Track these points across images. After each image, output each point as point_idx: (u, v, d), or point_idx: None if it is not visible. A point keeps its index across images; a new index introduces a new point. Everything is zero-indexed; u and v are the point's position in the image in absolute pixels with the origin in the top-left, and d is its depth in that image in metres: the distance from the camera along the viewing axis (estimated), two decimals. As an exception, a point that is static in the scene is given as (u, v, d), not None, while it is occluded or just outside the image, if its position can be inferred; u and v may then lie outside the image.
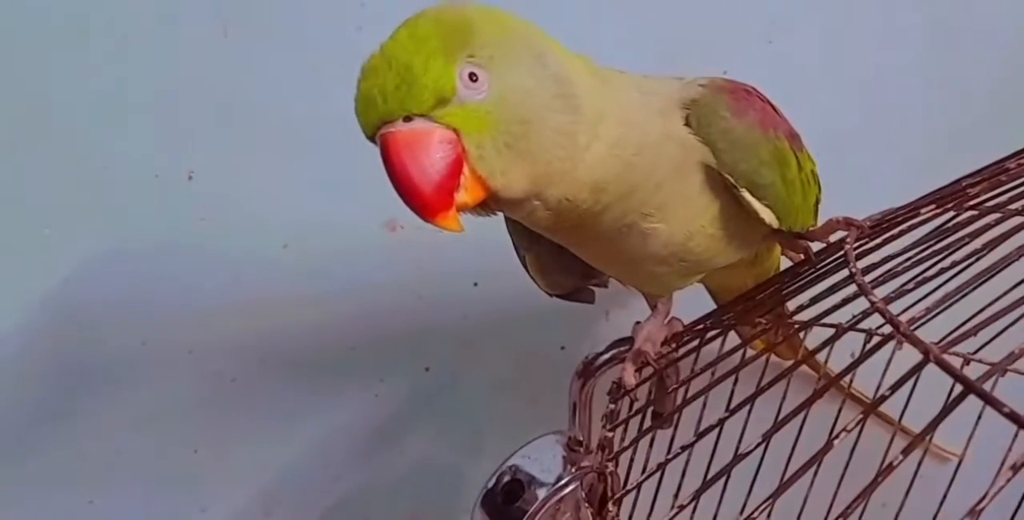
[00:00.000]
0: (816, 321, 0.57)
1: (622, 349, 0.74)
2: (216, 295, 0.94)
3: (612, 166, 0.56)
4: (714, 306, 0.84)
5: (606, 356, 0.75)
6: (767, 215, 0.62)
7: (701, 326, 0.74)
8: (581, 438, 0.76)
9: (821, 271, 0.65)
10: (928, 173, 0.67)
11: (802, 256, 0.70)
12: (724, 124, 0.60)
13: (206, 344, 0.95)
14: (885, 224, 0.63)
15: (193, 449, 0.98)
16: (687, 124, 0.60)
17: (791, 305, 0.65)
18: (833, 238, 0.67)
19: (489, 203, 0.54)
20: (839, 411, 0.82)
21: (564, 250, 0.67)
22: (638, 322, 0.75)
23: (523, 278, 0.74)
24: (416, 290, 0.98)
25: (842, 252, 0.60)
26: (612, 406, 0.69)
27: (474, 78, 0.50)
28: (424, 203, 0.50)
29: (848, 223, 0.63)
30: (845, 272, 0.53)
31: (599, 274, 0.75)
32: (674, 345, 0.72)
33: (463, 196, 0.50)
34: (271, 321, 0.95)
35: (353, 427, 1.00)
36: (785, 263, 0.80)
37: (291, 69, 0.91)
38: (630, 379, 0.68)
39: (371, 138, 0.51)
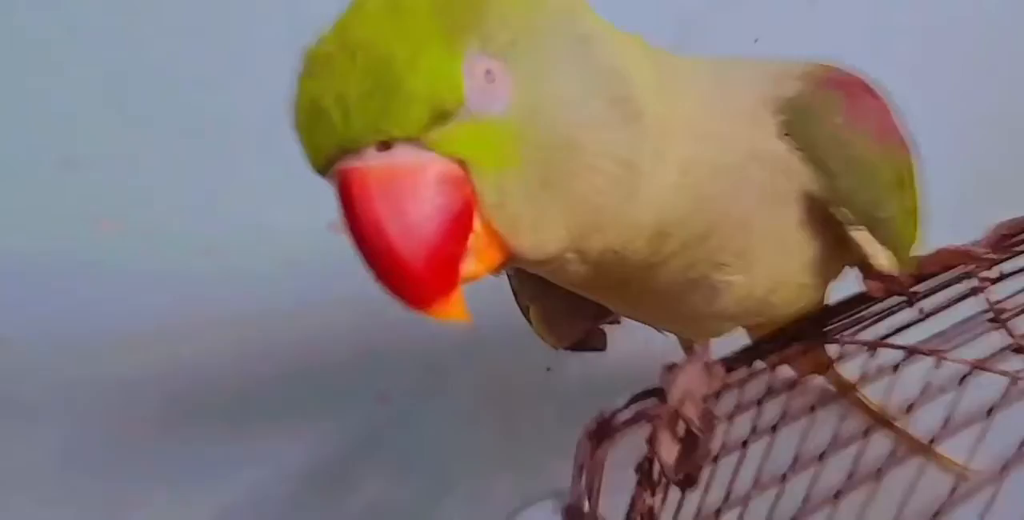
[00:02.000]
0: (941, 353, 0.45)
1: (649, 405, 0.58)
2: (119, 316, 0.81)
3: (681, 201, 0.41)
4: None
5: (628, 413, 0.59)
6: (886, 259, 0.47)
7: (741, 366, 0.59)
8: (586, 508, 0.61)
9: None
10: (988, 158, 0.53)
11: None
12: (839, 136, 0.44)
13: (109, 376, 0.82)
14: (1008, 245, 0.51)
15: (111, 505, 0.83)
16: (785, 134, 0.44)
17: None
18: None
19: (504, 264, 0.38)
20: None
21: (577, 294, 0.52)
22: (668, 367, 0.59)
23: (499, 288, 0.60)
24: (370, 305, 0.82)
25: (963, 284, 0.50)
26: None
27: (491, 77, 0.35)
28: (413, 284, 0.34)
29: (968, 254, 0.48)
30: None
31: (612, 312, 0.60)
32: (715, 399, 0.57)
33: (473, 265, 0.35)
34: (190, 347, 0.83)
35: (298, 469, 0.87)
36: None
37: (203, 35, 0.78)
38: (669, 457, 0.52)
39: (321, 172, 0.35)
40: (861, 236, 0.45)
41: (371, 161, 0.33)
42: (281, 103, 0.36)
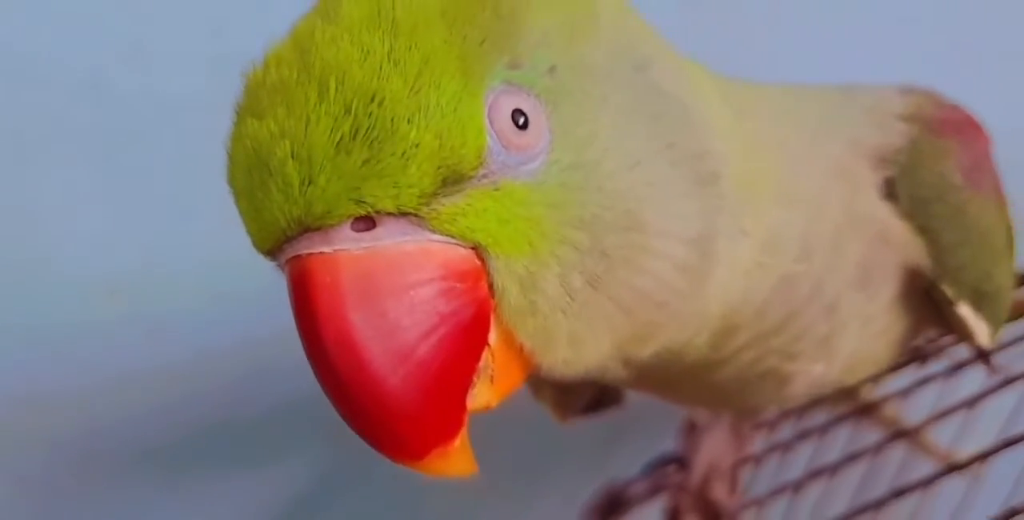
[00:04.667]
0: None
1: (668, 474, 0.50)
2: (18, 367, 0.70)
3: (760, 285, 0.32)
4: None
5: (642, 484, 0.51)
6: (984, 334, 0.39)
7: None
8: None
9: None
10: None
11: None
12: (957, 198, 0.36)
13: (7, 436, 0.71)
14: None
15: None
16: (888, 196, 0.35)
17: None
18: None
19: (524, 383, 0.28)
20: None
21: None
22: (689, 428, 0.51)
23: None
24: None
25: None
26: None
27: (522, 121, 0.25)
28: (400, 432, 0.24)
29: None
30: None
31: None
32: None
33: (484, 395, 0.25)
34: (106, 400, 0.72)
35: (258, 510, 0.79)
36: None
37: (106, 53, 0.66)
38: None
39: (268, 254, 0.25)
40: (964, 312, 0.37)
41: (344, 245, 0.23)
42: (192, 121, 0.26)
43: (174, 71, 0.65)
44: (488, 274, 0.24)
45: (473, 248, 0.24)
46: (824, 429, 0.46)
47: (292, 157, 0.23)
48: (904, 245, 0.35)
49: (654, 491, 0.51)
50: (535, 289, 0.25)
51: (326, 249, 0.23)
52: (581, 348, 0.27)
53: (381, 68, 0.23)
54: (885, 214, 0.35)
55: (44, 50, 0.67)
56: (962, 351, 0.47)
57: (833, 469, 0.45)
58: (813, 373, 0.37)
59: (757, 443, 0.51)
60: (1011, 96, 0.69)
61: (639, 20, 0.29)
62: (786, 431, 0.50)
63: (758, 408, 0.42)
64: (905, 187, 0.35)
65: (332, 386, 0.23)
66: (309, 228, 0.23)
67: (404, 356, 0.23)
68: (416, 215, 0.23)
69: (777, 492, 0.47)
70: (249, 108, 0.24)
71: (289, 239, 0.24)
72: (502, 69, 0.25)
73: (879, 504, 0.42)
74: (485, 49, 0.24)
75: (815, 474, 0.46)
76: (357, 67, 0.23)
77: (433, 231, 0.24)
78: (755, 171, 0.31)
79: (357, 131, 0.23)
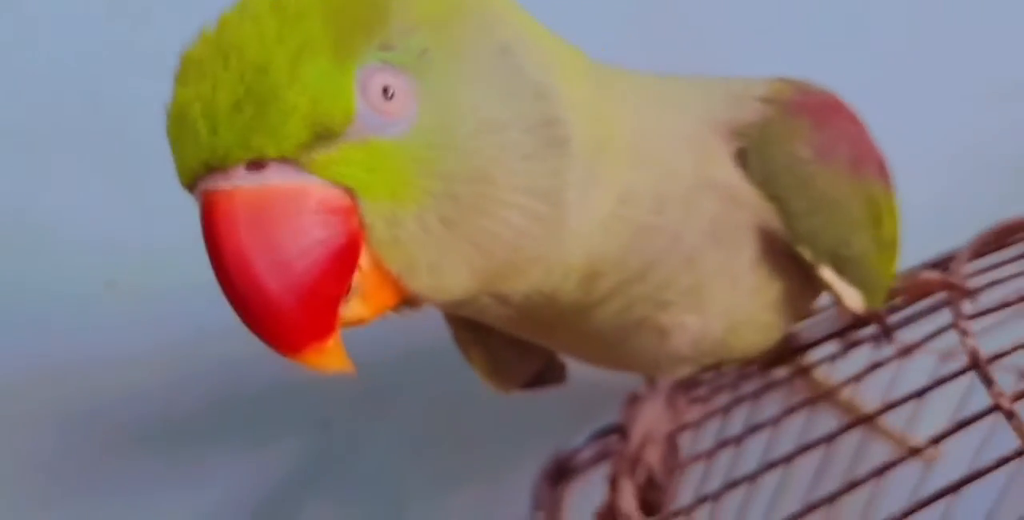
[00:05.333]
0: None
1: (610, 442, 0.55)
2: (16, 354, 0.73)
3: (617, 234, 0.37)
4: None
5: (587, 452, 0.55)
6: (852, 298, 0.44)
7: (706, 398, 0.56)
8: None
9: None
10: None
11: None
12: (804, 171, 0.40)
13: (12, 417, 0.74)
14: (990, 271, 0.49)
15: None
16: (741, 165, 0.40)
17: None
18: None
19: (402, 307, 0.34)
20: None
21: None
22: (630, 399, 0.56)
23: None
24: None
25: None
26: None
27: (389, 92, 0.31)
28: (280, 327, 0.30)
29: (945, 284, 0.45)
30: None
31: None
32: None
33: (356, 308, 0.31)
34: (100, 382, 0.75)
35: (240, 499, 0.81)
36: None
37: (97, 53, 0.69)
38: (630, 506, 0.48)
39: (189, 189, 0.31)
40: (827, 275, 0.42)
41: (239, 182, 0.29)
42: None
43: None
44: (358, 211, 0.30)
45: (345, 190, 0.30)
46: (777, 419, 0.49)
47: (202, 115, 0.29)
48: (755, 207, 0.40)
49: (599, 458, 0.55)
50: (397, 225, 0.31)
51: (226, 185, 0.29)
52: (441, 276, 0.32)
53: (269, 47, 0.29)
54: (735, 179, 0.40)
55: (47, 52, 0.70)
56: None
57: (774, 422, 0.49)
58: (689, 326, 0.41)
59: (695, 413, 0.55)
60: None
61: (511, 11, 0.35)
62: (722, 399, 0.55)
63: (652, 364, 0.45)
64: (756, 159, 0.40)
65: (230, 292, 0.29)
66: (214, 169, 0.29)
67: (284, 268, 0.29)
68: (296, 161, 0.29)
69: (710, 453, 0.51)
70: (180, 76, 0.30)
71: (200, 177, 0.30)
72: (374, 50, 0.30)
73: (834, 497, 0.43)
74: (357, 34, 0.30)
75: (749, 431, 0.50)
76: (252, 45, 0.29)
77: (311, 174, 0.30)
78: (609, 137, 0.36)
79: (248, 94, 0.29)
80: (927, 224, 0.55)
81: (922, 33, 0.82)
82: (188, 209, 0.35)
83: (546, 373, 0.54)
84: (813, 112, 0.42)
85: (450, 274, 0.32)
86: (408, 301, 0.33)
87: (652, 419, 0.53)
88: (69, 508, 0.76)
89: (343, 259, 0.30)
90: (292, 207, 0.29)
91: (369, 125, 0.30)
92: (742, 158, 0.40)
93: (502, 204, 0.32)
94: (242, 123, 0.29)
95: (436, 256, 0.32)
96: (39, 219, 0.71)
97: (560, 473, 0.56)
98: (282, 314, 0.29)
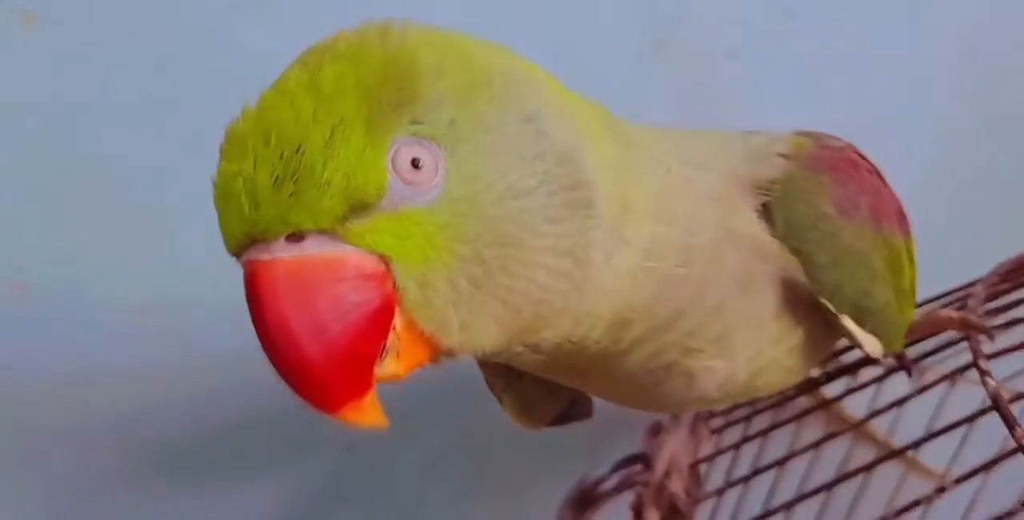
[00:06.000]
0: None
1: (634, 472, 0.56)
2: (46, 370, 0.73)
3: (644, 285, 0.38)
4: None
5: (612, 481, 0.56)
6: (871, 345, 0.45)
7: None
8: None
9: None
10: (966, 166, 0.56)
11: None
12: (827, 226, 0.42)
13: (38, 437, 0.74)
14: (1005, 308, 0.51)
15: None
16: (764, 219, 0.41)
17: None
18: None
19: (435, 361, 0.35)
20: None
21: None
22: (653, 429, 0.57)
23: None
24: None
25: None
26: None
27: (418, 163, 0.32)
28: (319, 387, 0.31)
29: (963, 323, 0.46)
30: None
31: None
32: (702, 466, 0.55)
33: (391, 366, 0.33)
34: (127, 398, 0.75)
35: None
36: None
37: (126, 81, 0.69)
38: (655, 533, 0.49)
39: (235, 257, 0.33)
40: (848, 324, 0.43)
41: (280, 253, 0.31)
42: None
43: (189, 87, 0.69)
44: (391, 276, 0.32)
45: (379, 257, 0.32)
46: (766, 431, 0.51)
47: (244, 190, 0.31)
48: (779, 260, 0.41)
49: (623, 487, 0.56)
50: (429, 288, 0.32)
51: (267, 256, 0.31)
52: (472, 333, 0.34)
53: (306, 126, 0.31)
54: (759, 233, 0.41)
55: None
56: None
57: (782, 462, 0.51)
58: (717, 370, 0.42)
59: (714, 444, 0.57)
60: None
61: (535, 74, 0.37)
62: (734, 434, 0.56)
63: (680, 405, 0.46)
64: (780, 213, 0.41)
65: (272, 355, 0.31)
66: (256, 240, 0.31)
67: (322, 332, 0.31)
68: (333, 232, 0.31)
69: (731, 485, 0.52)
70: (224, 151, 0.32)
71: (244, 248, 0.32)
72: (405, 125, 0.32)
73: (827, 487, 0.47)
74: (389, 111, 0.32)
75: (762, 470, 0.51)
76: (290, 125, 0.31)
77: (347, 244, 0.31)
78: (634, 195, 0.37)
79: (287, 172, 0.31)
80: (941, 253, 0.56)
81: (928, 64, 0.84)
82: (213, 231, 0.37)
83: (572, 409, 0.55)
84: (833, 167, 0.43)
85: (480, 330, 0.34)
86: (441, 356, 0.34)
87: (676, 449, 0.55)
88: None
89: (378, 321, 0.32)
90: (329, 275, 0.31)
91: (400, 196, 0.32)
92: (766, 213, 0.41)
93: (529, 265, 0.34)
94: (282, 200, 0.31)
95: (467, 315, 0.33)
96: (67, 238, 0.73)
97: (584, 501, 0.57)
98: (321, 375, 0.31)
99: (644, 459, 0.56)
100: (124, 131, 0.72)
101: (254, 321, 0.31)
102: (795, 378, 0.48)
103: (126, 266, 0.74)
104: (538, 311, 0.35)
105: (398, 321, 0.32)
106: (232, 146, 0.32)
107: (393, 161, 0.32)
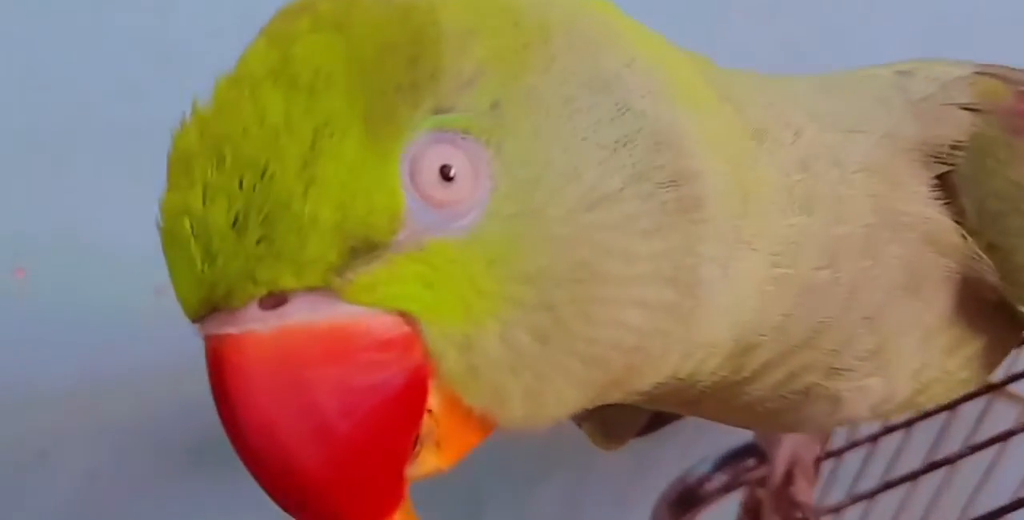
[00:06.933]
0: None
1: (746, 467, 0.48)
2: (66, 369, 0.68)
3: (775, 300, 0.29)
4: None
5: (718, 480, 0.48)
6: None
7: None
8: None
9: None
10: None
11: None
12: None
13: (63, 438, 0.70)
14: None
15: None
16: (944, 198, 0.31)
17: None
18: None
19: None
20: None
21: None
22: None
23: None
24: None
25: None
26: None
27: (450, 173, 0.22)
28: (326, 511, 0.22)
29: None
30: None
31: None
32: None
33: (430, 461, 0.23)
34: (148, 397, 0.71)
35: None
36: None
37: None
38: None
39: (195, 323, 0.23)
40: None
41: (253, 324, 0.21)
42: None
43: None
44: (421, 340, 0.22)
45: (401, 315, 0.22)
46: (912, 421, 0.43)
47: (193, 235, 0.21)
48: (961, 254, 0.31)
49: (732, 486, 0.49)
50: (475, 351, 0.23)
51: (234, 329, 0.21)
52: (541, 403, 0.24)
53: (275, 135, 0.21)
54: (935, 217, 0.31)
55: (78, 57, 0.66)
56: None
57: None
58: (871, 391, 0.33)
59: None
60: None
61: (611, 21, 0.26)
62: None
63: (820, 429, 0.39)
64: (969, 193, 0.31)
65: (252, 468, 0.22)
66: (218, 307, 0.22)
67: (324, 436, 0.22)
68: (328, 289, 0.21)
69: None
70: (168, 176, 0.22)
71: (202, 317, 0.22)
72: (426, 116, 0.22)
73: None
74: (399, 99, 0.22)
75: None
76: (250, 136, 0.21)
77: (350, 304, 0.22)
78: (760, 179, 0.28)
79: (249, 207, 0.21)
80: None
81: None
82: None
83: (657, 417, 0.46)
84: None
85: (553, 398, 0.25)
86: (498, 432, 0.25)
87: (797, 442, 0.47)
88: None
89: (406, 406, 0.23)
90: (327, 351, 0.22)
91: (426, 224, 0.22)
92: (946, 190, 0.31)
93: (617, 304, 0.24)
94: (246, 249, 0.21)
95: (532, 381, 0.24)
96: (86, 228, 0.66)
97: (685, 502, 0.49)
98: (329, 496, 0.22)
99: (756, 453, 0.48)
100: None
101: (223, 421, 0.22)
102: (967, 389, 0.38)
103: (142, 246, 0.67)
104: (631, 361, 0.26)
105: (434, 400, 0.23)
106: (175, 168, 0.22)
107: (411, 174, 0.22)
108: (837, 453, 0.48)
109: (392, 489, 0.23)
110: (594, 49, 0.25)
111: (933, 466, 0.45)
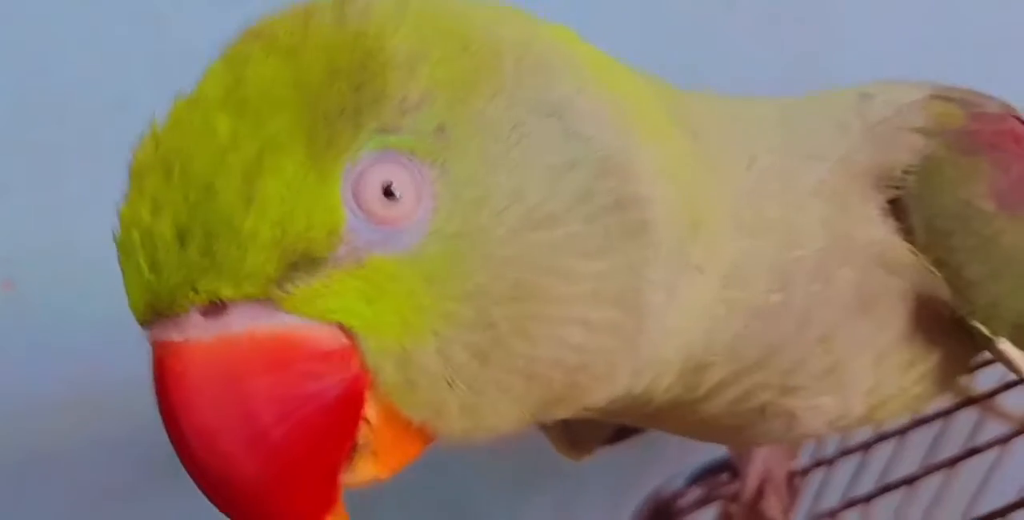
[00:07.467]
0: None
1: (720, 482, 0.48)
2: (54, 382, 0.67)
3: (725, 321, 0.29)
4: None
5: (692, 495, 0.48)
6: None
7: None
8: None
9: None
10: None
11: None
12: (985, 227, 0.31)
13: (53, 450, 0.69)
14: None
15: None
16: (895, 220, 0.31)
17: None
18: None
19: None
20: None
21: None
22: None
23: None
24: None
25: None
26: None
27: (394, 191, 0.23)
28: (261, 513, 0.23)
29: None
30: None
31: None
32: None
33: (366, 470, 0.24)
34: (139, 407, 0.63)
35: None
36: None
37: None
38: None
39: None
40: (1007, 350, 0.33)
41: (195, 332, 0.23)
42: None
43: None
44: (358, 352, 0.23)
45: (340, 327, 0.23)
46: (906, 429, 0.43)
47: (141, 246, 0.23)
48: (913, 273, 0.31)
49: (705, 501, 0.48)
50: (412, 366, 0.23)
51: (177, 336, 0.23)
52: (480, 417, 0.25)
53: (221, 153, 0.22)
54: (886, 238, 0.31)
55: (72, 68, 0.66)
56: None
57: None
58: (826, 409, 0.33)
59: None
60: None
61: (566, 49, 0.27)
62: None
63: (781, 443, 0.40)
64: (917, 212, 0.31)
65: (193, 472, 0.23)
66: (162, 314, 0.23)
67: (259, 441, 0.22)
68: (268, 299, 0.22)
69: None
70: (126, 188, 0.24)
71: (149, 323, 0.23)
72: (371, 136, 0.23)
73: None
74: (343, 121, 0.23)
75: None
76: (199, 153, 0.23)
77: (289, 314, 0.23)
78: (708, 204, 0.28)
79: (194, 220, 0.22)
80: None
81: None
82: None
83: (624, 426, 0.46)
84: (993, 145, 0.33)
85: (493, 412, 0.25)
86: (439, 443, 0.26)
87: (769, 457, 0.46)
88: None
89: (341, 416, 0.23)
90: (265, 360, 0.23)
91: (366, 240, 0.23)
92: (896, 211, 0.31)
93: (558, 323, 0.25)
94: (189, 260, 0.22)
95: (471, 396, 0.24)
96: (75, 241, 0.63)
97: (659, 516, 0.49)
98: (262, 499, 0.23)
99: (729, 468, 0.48)
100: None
101: (166, 426, 0.23)
102: (926, 404, 0.38)
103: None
104: (574, 379, 0.26)
105: (371, 411, 0.24)
106: (131, 181, 0.24)
107: (354, 191, 0.23)
108: (829, 461, 0.47)
109: (325, 494, 0.24)
110: (545, 75, 0.25)
111: (931, 469, 0.45)
